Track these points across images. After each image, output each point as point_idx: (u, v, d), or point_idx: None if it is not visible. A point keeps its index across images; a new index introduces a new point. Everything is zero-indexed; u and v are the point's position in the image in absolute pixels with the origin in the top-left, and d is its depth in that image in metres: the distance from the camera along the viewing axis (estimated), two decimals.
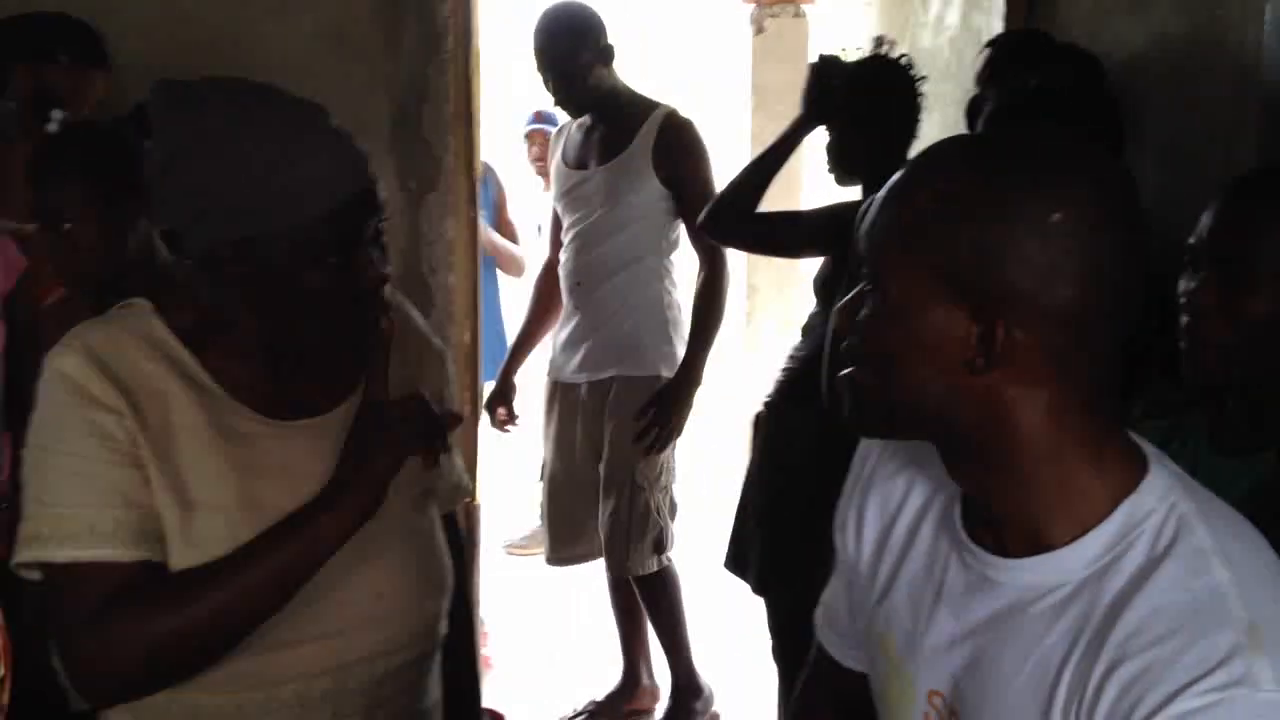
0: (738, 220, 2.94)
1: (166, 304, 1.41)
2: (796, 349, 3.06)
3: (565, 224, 3.46)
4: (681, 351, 3.35)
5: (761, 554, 3.00)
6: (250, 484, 1.35)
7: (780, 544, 2.90)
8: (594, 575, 3.77)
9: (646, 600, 3.54)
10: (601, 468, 3.38)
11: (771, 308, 6.00)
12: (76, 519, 1.30)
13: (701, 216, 3.00)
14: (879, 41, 2.89)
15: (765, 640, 3.13)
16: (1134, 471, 1.02)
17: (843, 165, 2.82)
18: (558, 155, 3.52)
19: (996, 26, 2.86)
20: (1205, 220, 1.47)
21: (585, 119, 3.42)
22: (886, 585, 1.19)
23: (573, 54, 3.25)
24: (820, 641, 1.39)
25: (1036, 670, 1.00)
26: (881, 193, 1.07)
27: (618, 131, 3.34)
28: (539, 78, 3.35)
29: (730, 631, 4.13)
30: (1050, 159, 1.01)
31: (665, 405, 3.28)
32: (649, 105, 3.37)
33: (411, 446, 1.33)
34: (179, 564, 1.32)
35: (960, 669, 1.08)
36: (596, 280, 3.37)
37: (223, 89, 1.33)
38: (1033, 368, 0.98)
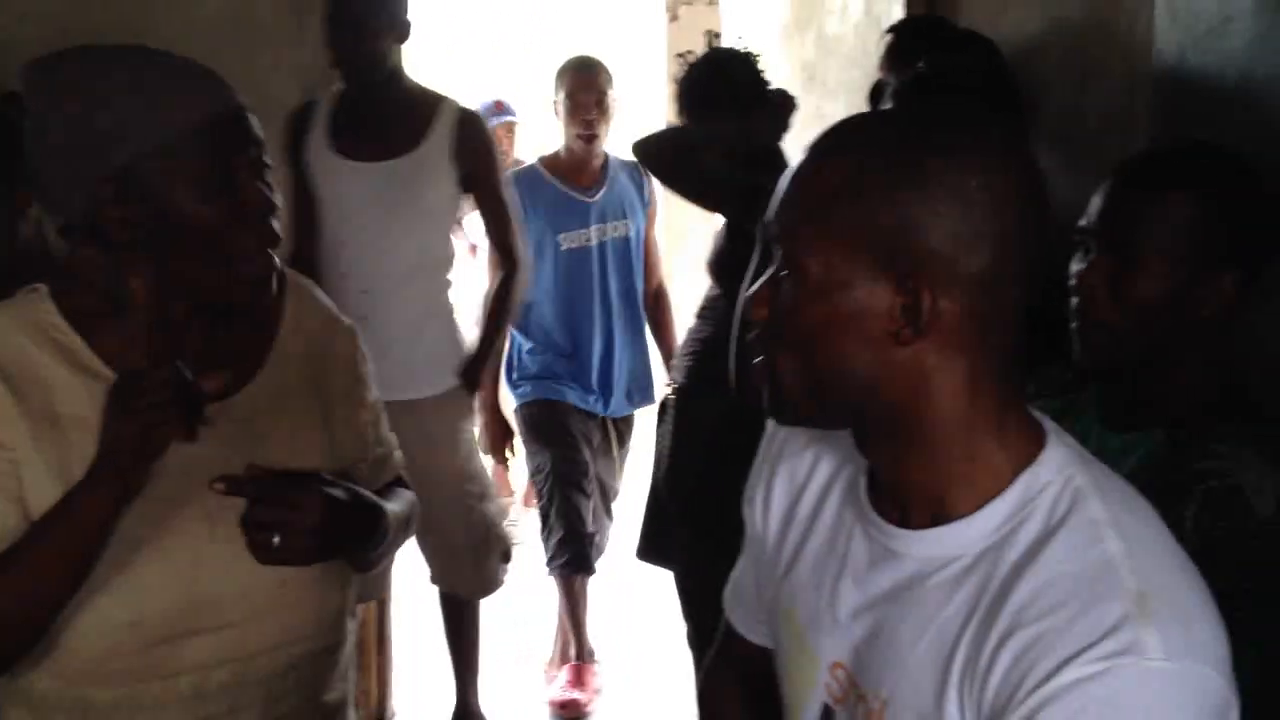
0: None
1: (62, 290, 1.39)
2: (696, 331, 3.07)
3: (333, 217, 3.09)
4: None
5: (684, 542, 3.01)
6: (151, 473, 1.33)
7: (701, 530, 2.90)
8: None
9: (468, 618, 3.42)
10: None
11: (686, 294, 6.01)
12: None
13: (641, 153, 2.91)
14: (711, 36, 2.97)
15: (674, 626, 3.15)
16: (1033, 444, 1.04)
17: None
18: (314, 135, 3.10)
19: (898, 13, 2.90)
20: (1094, 203, 1.50)
21: (339, 100, 3.12)
22: (792, 559, 1.21)
23: (378, 24, 3.02)
24: (728, 617, 1.40)
25: (935, 640, 1.02)
26: (790, 171, 1.07)
27: (405, 121, 3.09)
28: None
29: (637, 621, 4.15)
30: (961, 129, 1.02)
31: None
32: (436, 96, 3.16)
33: (160, 418, 1.25)
34: None
35: (862, 640, 1.10)
36: (389, 289, 3.06)
37: (79, 49, 1.34)
38: (953, 336, 1.00)
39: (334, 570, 1.46)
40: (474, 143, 3.12)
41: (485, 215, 3.23)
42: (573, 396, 3.71)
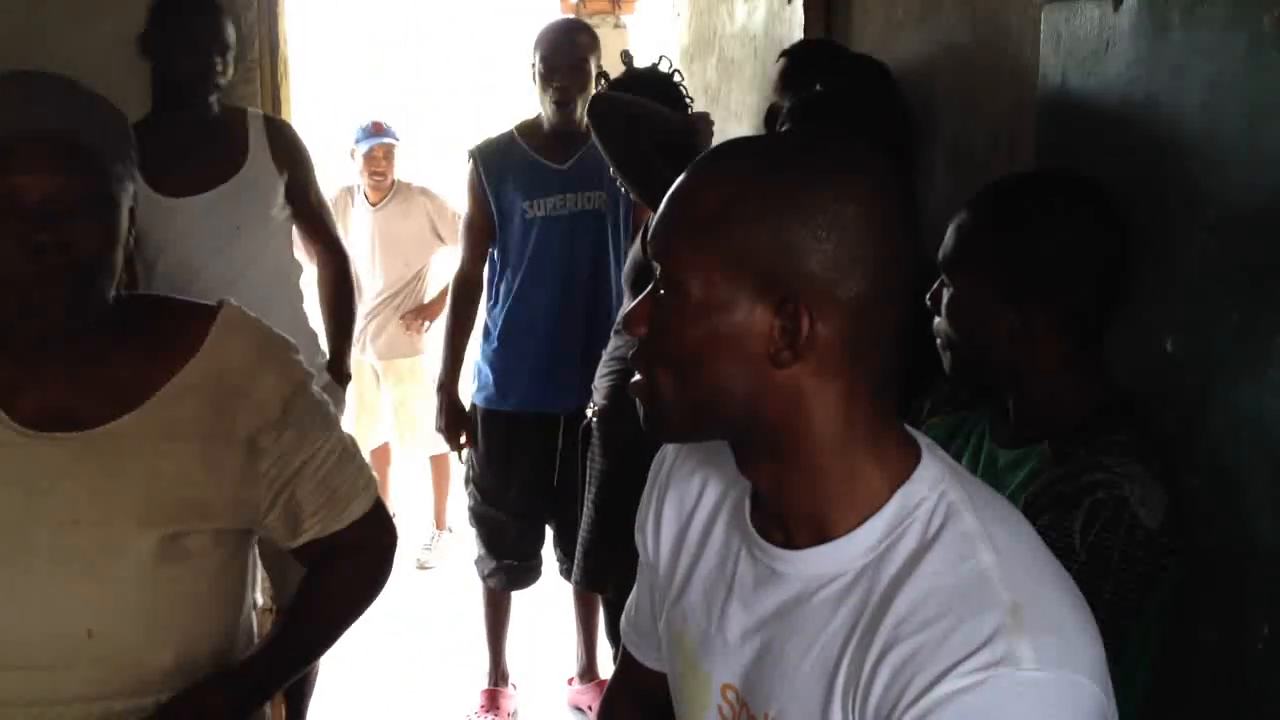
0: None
1: None
2: (615, 349, 3.05)
3: (172, 257, 2.89)
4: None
5: (618, 564, 2.98)
6: None
7: (634, 554, 2.87)
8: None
9: None
10: None
11: None
12: None
13: (593, 109, 2.78)
14: (626, 56, 2.96)
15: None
16: (909, 460, 1.06)
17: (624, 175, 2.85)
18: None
19: (796, 37, 2.94)
20: (947, 235, 1.55)
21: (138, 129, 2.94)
22: (683, 583, 1.21)
23: (225, 37, 2.85)
24: (625, 645, 1.41)
25: (819, 658, 1.03)
26: (672, 190, 1.07)
27: (221, 142, 2.94)
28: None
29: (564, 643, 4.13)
30: (840, 156, 1.04)
31: None
32: (239, 110, 3.01)
33: None
34: None
35: (750, 661, 1.10)
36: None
37: None
38: (830, 358, 1.01)
39: (166, 630, 1.40)
40: (290, 148, 3.03)
41: (306, 220, 3.12)
42: (529, 399, 3.51)
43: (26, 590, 1.32)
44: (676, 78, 2.89)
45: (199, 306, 1.49)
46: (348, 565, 1.56)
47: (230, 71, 2.91)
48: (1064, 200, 1.51)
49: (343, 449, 1.54)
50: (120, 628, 1.35)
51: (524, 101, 3.63)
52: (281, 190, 3.00)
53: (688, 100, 2.91)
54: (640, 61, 3.00)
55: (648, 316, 1.07)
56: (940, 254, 1.53)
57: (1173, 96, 1.55)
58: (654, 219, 1.09)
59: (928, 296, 1.55)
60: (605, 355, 3.11)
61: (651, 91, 2.86)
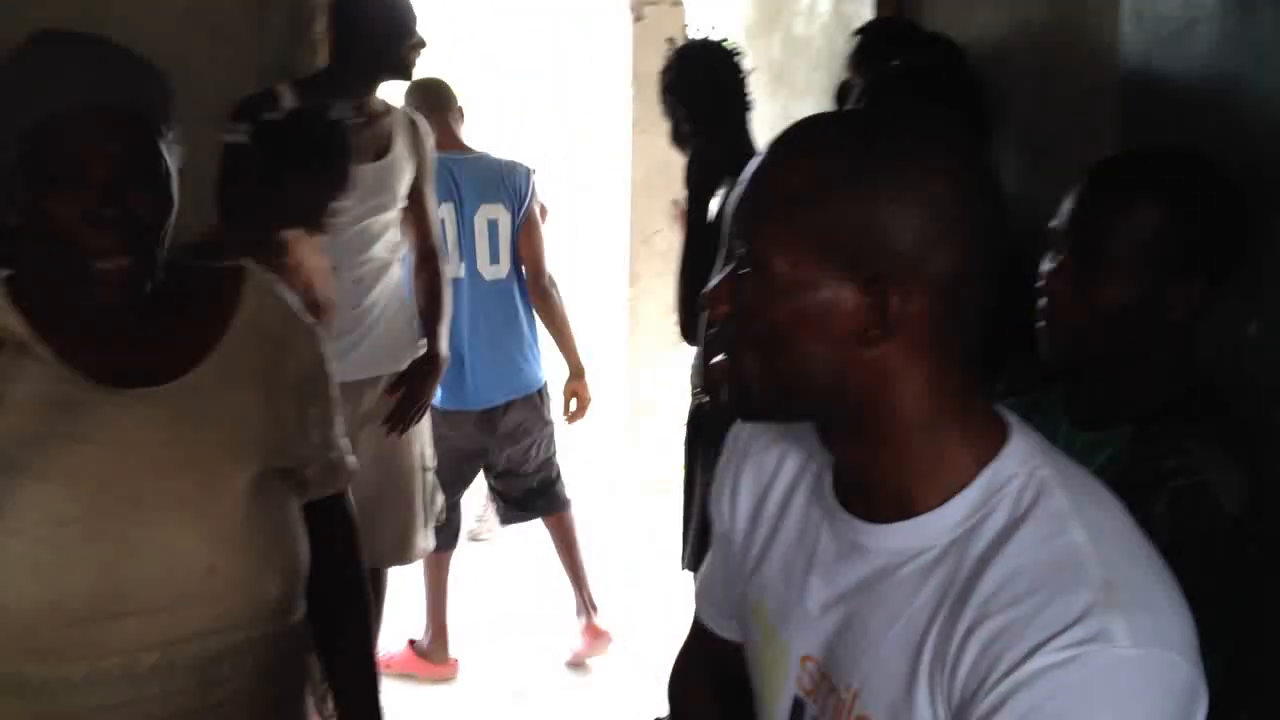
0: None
1: (19, 272, 1.43)
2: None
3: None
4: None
5: None
6: (72, 451, 1.35)
7: None
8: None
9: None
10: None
11: (653, 295, 6.03)
12: None
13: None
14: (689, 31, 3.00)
15: None
16: (997, 438, 1.05)
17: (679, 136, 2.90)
18: None
19: (866, 15, 2.92)
20: (1065, 205, 1.51)
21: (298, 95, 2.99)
22: (761, 555, 1.22)
23: (414, 31, 3.04)
24: (697, 614, 1.41)
25: (904, 632, 1.03)
26: (752, 170, 1.07)
27: (376, 127, 3.13)
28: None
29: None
30: (924, 132, 1.03)
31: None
32: (386, 103, 3.22)
33: None
34: (2, 528, 1.33)
35: (831, 633, 1.10)
36: (374, 276, 3.15)
37: (40, 33, 1.37)
38: (918, 337, 1.01)
39: (270, 560, 1.47)
40: (421, 147, 3.22)
41: (415, 211, 3.27)
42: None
43: (142, 538, 1.36)
44: (732, 50, 2.91)
45: (225, 268, 1.56)
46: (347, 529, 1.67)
47: (408, 67, 3.06)
48: (1203, 176, 1.47)
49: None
50: (234, 561, 1.41)
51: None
52: (409, 180, 3.17)
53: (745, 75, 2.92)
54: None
55: (730, 296, 1.07)
56: (1060, 226, 1.50)
57: (1259, 76, 1.53)
58: (734, 197, 1.09)
59: (1040, 273, 1.52)
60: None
61: (711, 65, 2.87)
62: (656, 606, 4.45)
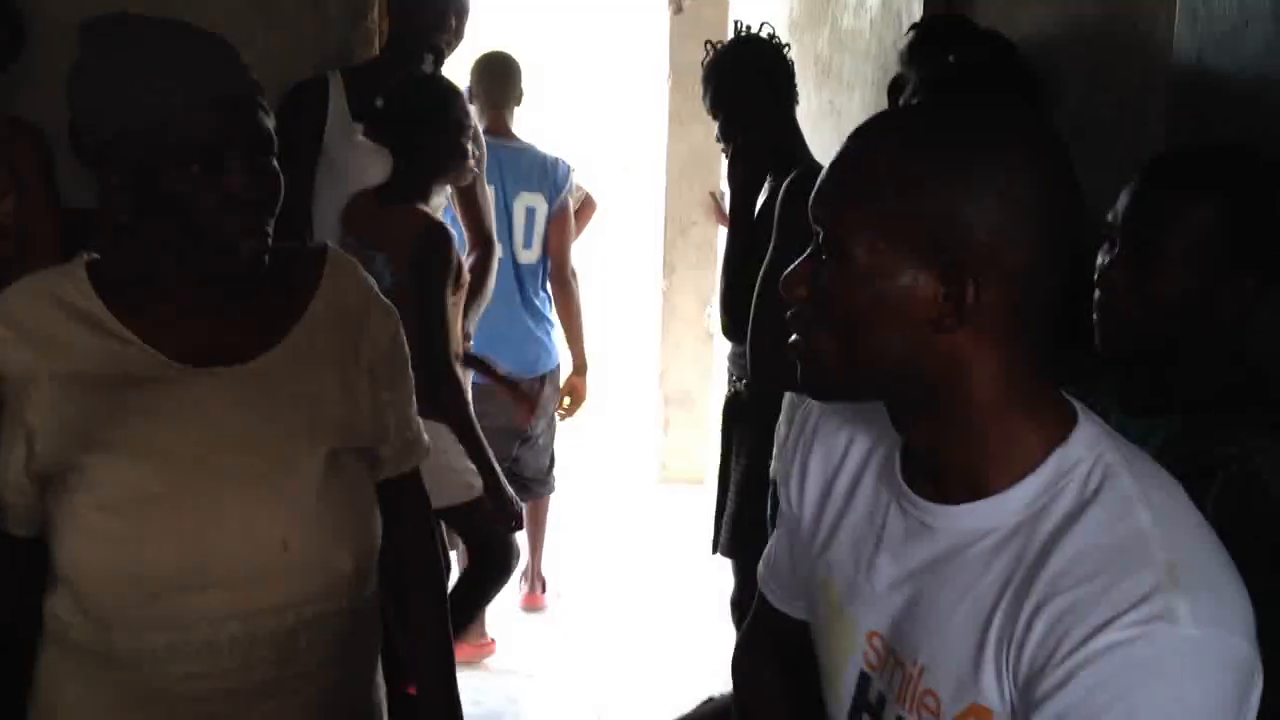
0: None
1: (104, 255, 1.48)
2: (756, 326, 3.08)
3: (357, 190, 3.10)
4: None
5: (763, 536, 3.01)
6: (154, 428, 1.39)
7: None
8: None
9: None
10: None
11: (688, 285, 6.07)
12: None
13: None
14: (738, 26, 3.03)
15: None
16: (1065, 423, 1.09)
17: (728, 131, 2.94)
18: (334, 111, 3.09)
19: (916, 10, 2.94)
20: (1122, 199, 1.53)
21: (355, 79, 3.09)
22: (829, 534, 1.25)
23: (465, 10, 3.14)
24: (762, 591, 1.45)
25: (971, 610, 1.06)
26: (836, 157, 1.10)
27: None
28: None
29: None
30: (1003, 123, 1.07)
31: None
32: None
33: None
34: (83, 504, 1.38)
35: (899, 610, 1.14)
36: None
37: (122, 16, 1.41)
38: (993, 325, 1.04)
39: (344, 537, 1.50)
40: (477, 139, 3.25)
41: (466, 201, 3.38)
42: None
43: (221, 513, 1.40)
44: (778, 45, 2.94)
45: (306, 248, 1.60)
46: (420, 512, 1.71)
47: (452, 48, 3.12)
48: (1259, 174, 1.49)
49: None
50: (309, 537, 1.45)
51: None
52: None
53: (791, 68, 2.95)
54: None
55: (808, 280, 1.10)
56: (1116, 220, 1.53)
57: None
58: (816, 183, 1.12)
59: (1097, 265, 1.55)
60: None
61: (757, 60, 2.90)
62: (687, 592, 4.49)
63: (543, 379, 4.13)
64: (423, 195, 2.92)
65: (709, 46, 3.02)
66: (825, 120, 3.53)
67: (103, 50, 1.39)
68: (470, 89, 4.09)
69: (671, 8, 6.31)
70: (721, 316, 2.97)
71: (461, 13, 3.10)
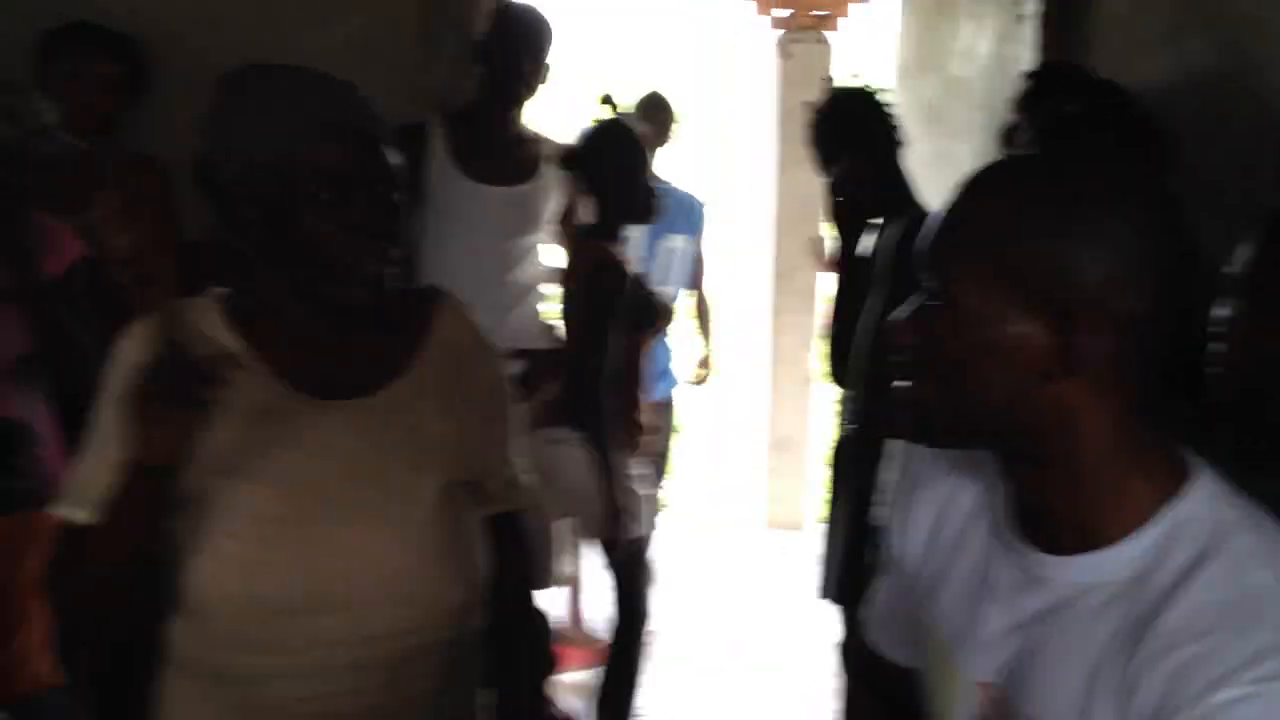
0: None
1: (234, 289, 1.54)
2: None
3: (458, 233, 3.20)
4: None
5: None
6: (280, 456, 1.44)
7: None
8: None
9: None
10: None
11: (794, 329, 6.06)
12: (78, 481, 1.46)
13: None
14: (829, 82, 3.05)
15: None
16: (1179, 476, 1.08)
17: (845, 193, 2.95)
18: (435, 154, 3.18)
19: (1027, 57, 2.94)
20: (1242, 252, 1.51)
21: (456, 123, 3.21)
22: (936, 581, 1.25)
23: (544, 57, 3.19)
24: (869, 638, 1.45)
25: (1082, 661, 1.06)
26: (948, 205, 1.11)
27: (524, 152, 3.27)
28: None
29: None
30: (1116, 175, 1.07)
31: None
32: (538, 134, 3.35)
33: (169, 398, 1.33)
34: (218, 527, 1.43)
35: (1008, 661, 1.14)
36: (510, 304, 3.29)
37: (251, 67, 1.49)
38: (1103, 375, 1.04)
39: (454, 567, 1.53)
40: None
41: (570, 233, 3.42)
42: None
43: (343, 540, 1.45)
44: (880, 95, 2.95)
45: (419, 289, 1.66)
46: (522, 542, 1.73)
47: (532, 90, 3.20)
48: None
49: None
50: (424, 567, 1.49)
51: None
52: (554, 207, 3.29)
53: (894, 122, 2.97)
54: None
55: (918, 327, 1.12)
56: (1236, 273, 1.50)
57: None
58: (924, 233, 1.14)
59: (1214, 318, 1.53)
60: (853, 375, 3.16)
61: (859, 111, 2.92)
62: (789, 638, 4.47)
63: (665, 403, 4.29)
64: (610, 234, 3.07)
65: (808, 107, 3.05)
66: (934, 166, 3.53)
67: (237, 92, 1.46)
68: None
69: (780, 53, 6.36)
70: (825, 361, 2.97)
71: (538, 56, 3.17)
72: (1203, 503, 1.06)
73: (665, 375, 4.30)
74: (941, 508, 1.28)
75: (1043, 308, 1.04)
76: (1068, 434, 1.07)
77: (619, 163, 3.07)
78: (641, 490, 3.12)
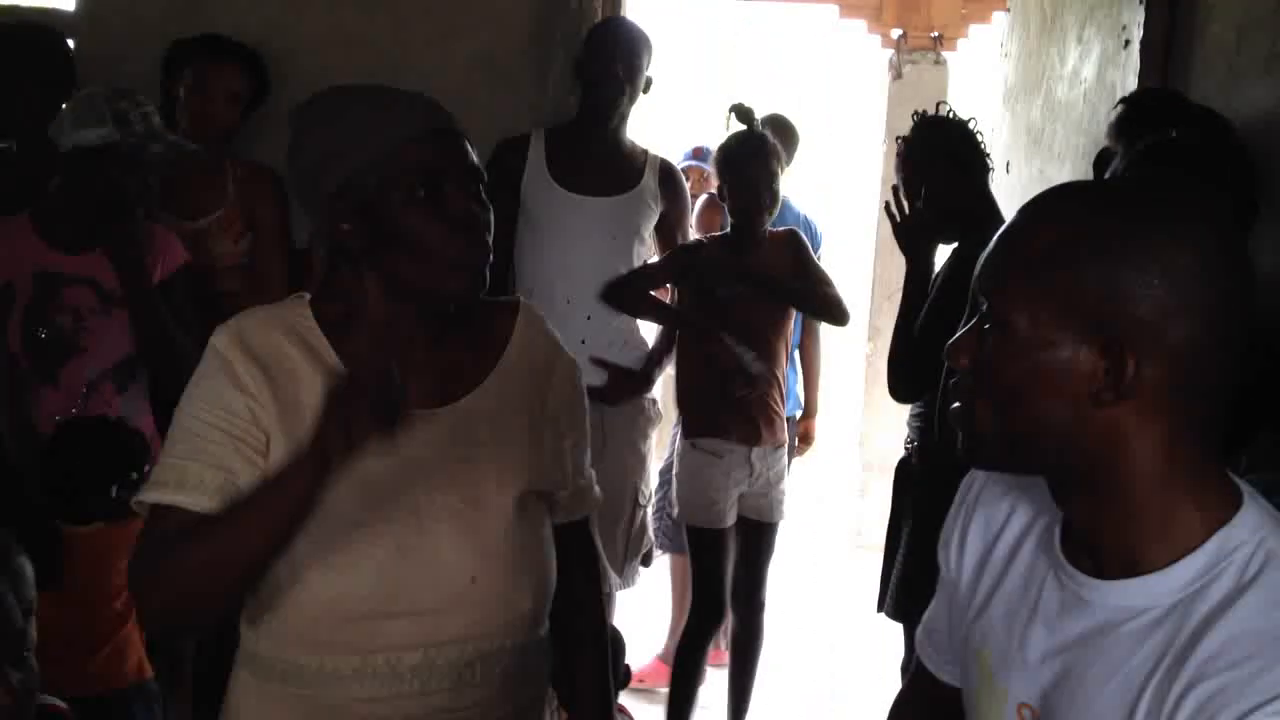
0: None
1: (323, 296, 1.57)
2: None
3: (556, 244, 3.28)
4: None
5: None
6: (367, 466, 1.42)
7: None
8: None
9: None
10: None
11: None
12: (173, 469, 1.47)
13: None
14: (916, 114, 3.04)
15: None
16: (1229, 505, 1.07)
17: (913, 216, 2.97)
18: (533, 165, 3.28)
19: (1131, 83, 2.90)
20: None
21: (556, 136, 3.30)
22: (985, 602, 1.26)
23: (641, 69, 3.27)
24: (919, 656, 1.45)
25: (1121, 687, 1.06)
26: (1004, 229, 1.12)
27: (622, 164, 3.34)
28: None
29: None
30: (1175, 204, 1.06)
31: None
32: (640, 147, 3.41)
33: (364, 416, 1.31)
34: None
35: (1050, 683, 1.14)
36: (607, 313, 3.35)
37: (330, 88, 1.55)
38: (1153, 402, 1.04)
39: (526, 575, 1.56)
40: (673, 191, 3.40)
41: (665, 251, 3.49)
42: None
43: (417, 545, 1.48)
44: (973, 125, 2.93)
45: (501, 301, 1.68)
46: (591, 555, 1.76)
47: (631, 107, 3.28)
48: None
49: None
50: (494, 574, 1.51)
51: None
52: (654, 221, 3.36)
53: (984, 150, 2.95)
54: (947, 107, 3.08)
55: (971, 348, 1.12)
56: None
57: None
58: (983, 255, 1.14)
59: None
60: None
61: (944, 141, 2.91)
62: (873, 658, 4.43)
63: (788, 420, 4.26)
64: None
65: (900, 142, 3.05)
66: (1034, 189, 3.49)
67: (322, 112, 1.52)
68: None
69: (891, 74, 6.33)
70: (891, 378, 2.98)
71: (632, 68, 3.22)
72: (1250, 531, 1.06)
73: (790, 395, 4.27)
74: (994, 528, 1.28)
75: (1093, 333, 1.04)
76: (1118, 459, 1.06)
77: (757, 173, 3.26)
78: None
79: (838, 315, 3.44)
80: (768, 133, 3.36)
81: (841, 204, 8.81)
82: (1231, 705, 0.96)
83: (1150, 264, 1.02)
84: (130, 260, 2.58)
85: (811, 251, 3.55)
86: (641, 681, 4.13)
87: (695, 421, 3.45)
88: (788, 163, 4.25)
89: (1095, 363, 1.04)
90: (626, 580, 3.49)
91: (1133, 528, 1.08)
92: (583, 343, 3.18)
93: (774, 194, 3.32)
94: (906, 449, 3.17)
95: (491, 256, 1.52)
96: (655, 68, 3.31)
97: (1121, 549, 1.09)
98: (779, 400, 3.48)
